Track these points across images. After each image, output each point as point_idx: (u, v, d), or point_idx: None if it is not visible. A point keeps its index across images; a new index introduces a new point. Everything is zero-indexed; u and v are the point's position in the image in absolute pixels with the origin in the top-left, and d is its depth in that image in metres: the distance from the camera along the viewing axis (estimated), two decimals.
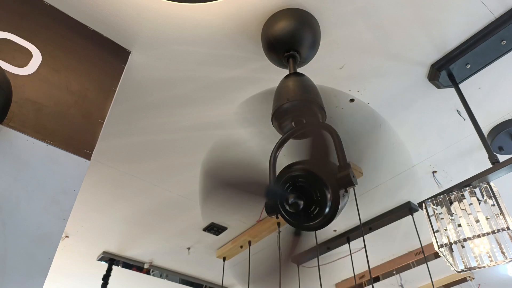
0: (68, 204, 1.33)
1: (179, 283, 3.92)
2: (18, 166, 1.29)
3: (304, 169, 1.27)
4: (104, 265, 3.51)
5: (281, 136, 1.56)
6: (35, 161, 1.33)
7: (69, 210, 1.32)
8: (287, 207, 1.22)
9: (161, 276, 3.82)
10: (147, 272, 3.75)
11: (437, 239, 1.72)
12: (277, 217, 1.33)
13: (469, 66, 1.96)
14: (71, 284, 3.93)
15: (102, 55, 1.79)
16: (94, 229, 3.17)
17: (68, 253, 3.43)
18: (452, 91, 2.06)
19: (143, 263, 3.64)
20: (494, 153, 1.74)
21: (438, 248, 1.70)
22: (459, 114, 2.23)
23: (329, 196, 1.24)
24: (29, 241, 1.20)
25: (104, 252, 3.46)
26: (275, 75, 1.95)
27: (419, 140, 2.41)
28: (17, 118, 1.37)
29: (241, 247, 3.30)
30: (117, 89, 1.72)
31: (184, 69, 1.99)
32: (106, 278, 3.44)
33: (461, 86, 2.04)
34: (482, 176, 1.65)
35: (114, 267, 3.53)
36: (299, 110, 1.49)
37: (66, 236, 3.23)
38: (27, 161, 1.31)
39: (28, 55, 1.52)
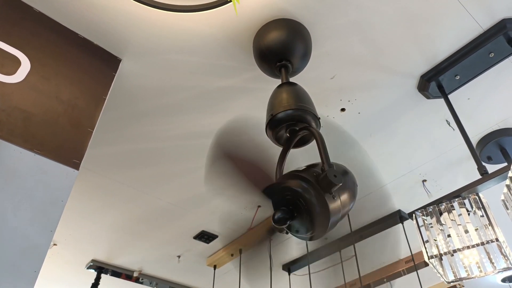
0: (55, 215, 1.30)
1: None
2: (5, 176, 1.26)
3: (282, 183, 1.26)
4: (93, 273, 3.46)
5: (275, 145, 1.55)
6: (23, 171, 1.31)
7: (57, 221, 1.30)
8: (275, 224, 1.21)
9: (150, 284, 3.77)
10: (137, 280, 3.70)
11: (427, 249, 1.73)
12: (286, 233, 1.31)
13: (458, 77, 1.99)
14: None
15: (92, 63, 1.78)
16: (83, 237, 3.12)
17: (56, 261, 3.38)
18: (441, 101, 2.08)
19: (133, 271, 3.59)
20: (483, 164, 1.76)
21: (428, 259, 1.70)
22: (449, 124, 2.25)
23: (314, 202, 1.22)
24: (15, 253, 1.17)
25: (93, 260, 3.41)
26: (267, 84, 1.95)
27: (409, 149, 2.43)
28: (5, 127, 1.35)
29: (232, 255, 3.28)
30: (107, 97, 1.70)
31: (175, 78, 1.99)
32: (94, 286, 3.39)
33: (450, 97, 2.06)
34: (471, 187, 1.67)
35: (103, 275, 3.48)
36: (293, 119, 1.49)
37: (54, 244, 3.18)
38: (14, 171, 1.29)
39: (17, 63, 1.50)
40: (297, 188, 1.22)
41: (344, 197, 1.29)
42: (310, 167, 1.30)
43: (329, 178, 1.18)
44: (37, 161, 1.36)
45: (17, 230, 1.21)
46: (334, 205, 1.21)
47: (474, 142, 2.36)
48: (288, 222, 1.21)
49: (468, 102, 2.14)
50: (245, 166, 1.35)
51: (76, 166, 1.45)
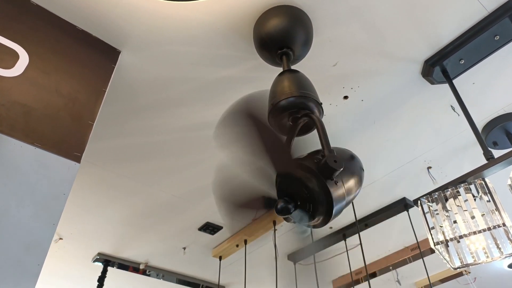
0: (58, 209, 1.30)
1: (176, 283, 3.90)
2: (7, 170, 1.26)
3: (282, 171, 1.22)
4: (99, 267, 3.48)
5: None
6: (24, 165, 1.30)
7: (59, 214, 1.29)
8: (278, 214, 1.19)
9: (157, 276, 3.80)
10: (144, 272, 3.72)
11: (432, 236, 1.72)
12: (294, 222, 1.28)
13: (462, 61, 1.95)
14: (66, 286, 3.90)
15: (91, 55, 1.76)
16: (89, 230, 3.14)
17: (62, 255, 3.40)
18: (446, 87, 2.05)
19: (139, 264, 3.61)
20: (489, 149, 1.74)
21: (434, 245, 1.69)
22: (453, 110, 2.22)
23: (316, 189, 1.19)
24: (18, 248, 1.17)
25: (99, 254, 3.43)
26: (269, 73, 1.92)
27: (414, 136, 2.40)
28: (5, 122, 1.34)
29: (237, 246, 3.29)
30: (107, 90, 1.69)
31: (176, 70, 1.96)
32: (101, 279, 3.42)
33: (455, 81, 2.03)
34: (477, 172, 1.64)
35: (109, 268, 3.50)
36: (295, 107, 1.46)
37: (60, 238, 3.19)
38: (16, 165, 1.28)
39: (15, 57, 1.48)
40: (298, 177, 1.20)
41: (349, 182, 1.26)
42: (311, 154, 1.27)
43: (328, 164, 1.15)
44: (38, 155, 1.35)
45: (20, 224, 1.21)
46: (337, 191, 1.18)
47: (479, 127, 2.33)
48: (291, 211, 1.19)
49: (473, 86, 2.11)
50: (269, 135, 1.22)
51: (78, 159, 1.44)
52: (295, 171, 1.20)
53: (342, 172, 1.20)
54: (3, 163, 1.26)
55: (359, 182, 1.34)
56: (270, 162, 1.22)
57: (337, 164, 1.16)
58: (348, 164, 1.32)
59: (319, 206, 1.18)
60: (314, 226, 1.30)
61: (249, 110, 1.22)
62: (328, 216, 1.18)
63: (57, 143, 1.41)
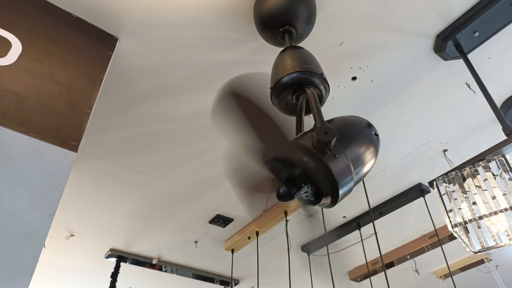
0: (54, 199, 1.25)
1: (192, 277, 3.87)
2: (0, 160, 1.21)
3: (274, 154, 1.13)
4: (112, 262, 3.46)
5: (283, 114, 1.44)
6: (18, 155, 1.26)
7: (56, 205, 1.25)
8: (280, 200, 1.10)
9: (172, 272, 3.77)
10: (160, 268, 3.70)
11: (450, 219, 1.62)
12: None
13: (477, 34, 1.84)
14: (79, 283, 3.91)
15: (87, 43, 1.71)
16: (99, 226, 3.12)
17: (74, 251, 3.39)
18: (460, 62, 1.94)
19: (151, 259, 3.59)
20: (509, 124, 1.63)
21: (452, 228, 1.59)
22: (469, 87, 2.11)
23: (313, 167, 1.08)
24: (13, 239, 1.12)
25: (112, 249, 3.42)
26: (271, 55, 1.82)
27: (428, 117, 2.30)
28: None
29: (249, 238, 3.23)
30: (104, 77, 1.63)
31: (175, 55, 1.90)
32: (114, 275, 3.41)
33: (469, 56, 1.92)
34: (496, 149, 1.54)
35: (122, 263, 3.48)
36: (298, 83, 1.36)
37: (72, 235, 3.19)
38: (9, 155, 1.24)
39: (7, 45, 1.44)
40: (294, 157, 1.10)
41: (355, 153, 1.16)
42: (308, 131, 1.18)
43: (318, 137, 1.05)
44: (32, 144, 1.30)
45: (15, 215, 1.16)
46: (338, 165, 1.07)
47: (497, 104, 2.20)
48: (294, 196, 1.10)
49: (489, 61, 2.00)
50: (258, 115, 1.15)
51: (74, 148, 1.39)
52: (291, 153, 1.11)
53: (343, 143, 1.11)
54: None
55: (370, 150, 1.23)
56: (261, 142, 1.14)
57: (328, 136, 1.05)
58: (354, 133, 1.23)
59: (323, 185, 1.09)
60: (326, 207, 1.21)
61: (232, 90, 1.13)
62: (335, 194, 1.08)
63: (52, 132, 1.37)
